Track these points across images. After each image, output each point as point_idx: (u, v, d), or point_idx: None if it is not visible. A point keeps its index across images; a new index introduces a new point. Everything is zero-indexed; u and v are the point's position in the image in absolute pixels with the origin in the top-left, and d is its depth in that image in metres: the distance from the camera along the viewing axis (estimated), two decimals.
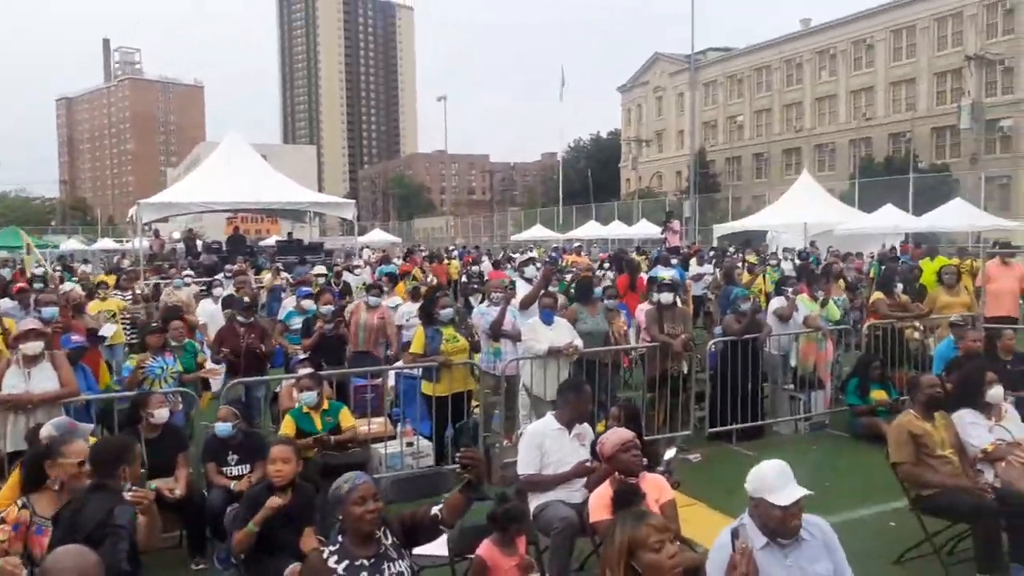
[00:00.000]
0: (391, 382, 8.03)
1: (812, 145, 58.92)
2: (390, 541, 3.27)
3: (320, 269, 15.74)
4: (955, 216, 25.49)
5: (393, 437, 6.94)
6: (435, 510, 3.30)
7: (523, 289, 7.96)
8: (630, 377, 10.11)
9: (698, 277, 15.30)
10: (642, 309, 8.55)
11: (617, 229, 42.33)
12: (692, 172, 47.50)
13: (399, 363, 7.67)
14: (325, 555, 3.16)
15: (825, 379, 8.82)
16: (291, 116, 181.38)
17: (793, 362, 8.74)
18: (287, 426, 5.95)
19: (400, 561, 3.21)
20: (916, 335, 9.22)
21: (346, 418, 6.23)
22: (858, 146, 52.61)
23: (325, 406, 6.15)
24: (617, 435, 4.29)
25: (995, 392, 5.18)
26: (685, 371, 7.89)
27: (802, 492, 3.15)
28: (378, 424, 6.89)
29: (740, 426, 7.96)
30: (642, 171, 66.34)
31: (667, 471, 4.55)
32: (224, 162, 22.81)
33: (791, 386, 8.71)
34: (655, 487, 4.16)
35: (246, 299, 9.19)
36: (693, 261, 17.11)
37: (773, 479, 3.22)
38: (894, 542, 5.35)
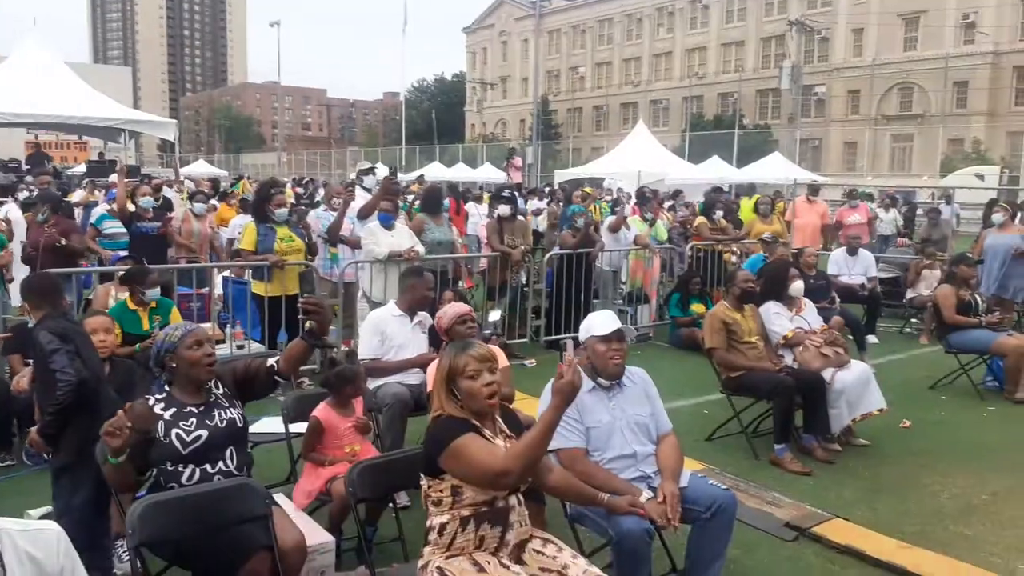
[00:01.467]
0: (218, 290, 7.68)
1: (648, 100, 61.42)
2: (221, 391, 3.17)
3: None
4: (773, 169, 27.91)
5: (222, 340, 6.66)
6: (271, 360, 3.23)
7: (362, 198, 7.73)
8: (472, 297, 10.26)
9: (538, 212, 15.73)
10: (482, 222, 8.66)
11: (461, 171, 42.39)
12: (536, 120, 48.16)
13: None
14: (151, 402, 3.02)
15: (651, 295, 9.36)
16: (102, 34, 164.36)
17: (623, 278, 9.19)
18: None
19: (231, 409, 3.12)
20: (733, 258, 9.94)
21: (176, 319, 5.89)
22: (690, 103, 55.39)
23: (153, 304, 5.78)
24: (454, 309, 4.36)
25: (797, 286, 5.71)
26: (523, 282, 8.11)
27: (619, 325, 3.36)
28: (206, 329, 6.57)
29: (572, 335, 8.26)
30: (486, 116, 66.48)
31: (493, 333, 4.67)
32: (20, 69, 20.38)
33: (620, 301, 9.18)
34: None
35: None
36: (534, 198, 17.63)
37: (599, 320, 3.43)
38: (707, 425, 5.83)
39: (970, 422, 6.33)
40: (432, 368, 4.19)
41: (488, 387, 2.69)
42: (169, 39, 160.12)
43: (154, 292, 5.61)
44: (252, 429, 4.47)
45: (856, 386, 5.35)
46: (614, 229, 8.86)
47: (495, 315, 4.99)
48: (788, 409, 5.22)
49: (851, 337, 7.52)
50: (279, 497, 3.66)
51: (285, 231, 6.82)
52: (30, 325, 5.21)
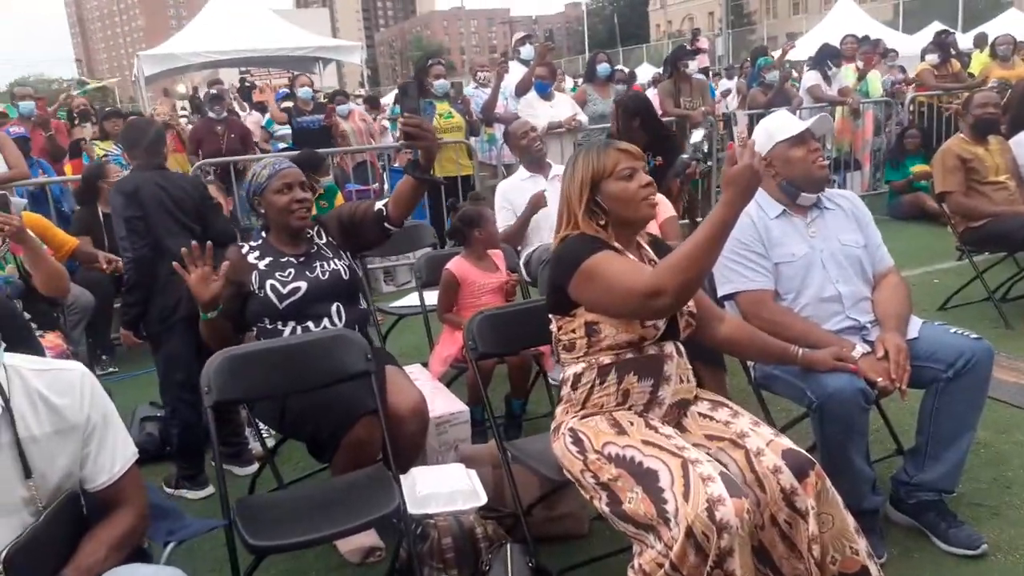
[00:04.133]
0: (386, 186, 7.45)
1: None
2: (324, 240, 2.73)
3: None
4: (1008, 28, 23.70)
5: None
6: (379, 205, 2.73)
7: (518, 72, 6.93)
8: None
9: (727, 92, 14.32)
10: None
11: (647, 72, 40.38)
12: (725, 9, 44.59)
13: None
14: (245, 250, 2.64)
15: (864, 161, 8.02)
16: None
17: (828, 144, 7.93)
18: None
19: (336, 260, 2.67)
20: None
21: (340, 200, 5.77)
22: None
23: (320, 191, 5.63)
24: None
25: None
26: (706, 149, 7.12)
27: (817, 116, 2.53)
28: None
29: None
30: (671, 14, 62.88)
31: (694, 157, 3.90)
32: (227, 11, 21.68)
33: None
34: None
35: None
36: (723, 79, 16.09)
37: (780, 121, 2.60)
38: (938, 295, 4.78)
39: None
40: None
41: (646, 188, 2.02)
42: None
43: (327, 180, 5.45)
44: (393, 305, 4.14)
45: None
46: (817, 97, 7.57)
47: (698, 135, 4.15)
48: None
49: None
50: (414, 368, 3.24)
51: (445, 107, 6.37)
52: None
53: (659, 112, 7.45)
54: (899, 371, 2.23)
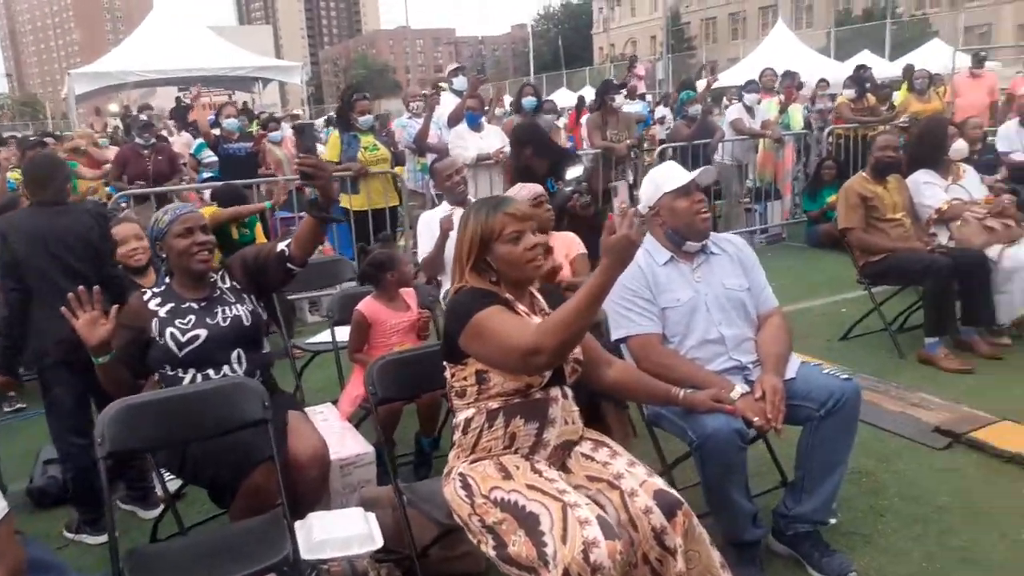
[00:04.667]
0: None
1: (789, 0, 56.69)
2: (228, 284, 2.76)
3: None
4: (932, 58, 24.75)
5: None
6: (281, 245, 2.76)
7: (450, 102, 7.10)
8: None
9: (662, 119, 14.68)
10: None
11: (589, 95, 40.95)
12: (666, 34, 45.65)
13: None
14: (147, 296, 2.66)
15: (784, 190, 8.33)
16: None
17: (749, 174, 8.22)
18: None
19: (238, 305, 2.69)
20: None
21: (259, 234, 5.77)
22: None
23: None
24: (527, 189, 3.78)
25: (959, 146, 4.67)
26: (631, 182, 7.33)
27: (691, 174, 2.67)
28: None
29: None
30: (614, 37, 63.88)
31: (575, 191, 4.02)
32: (163, 30, 21.33)
33: (747, 199, 8.23)
34: (565, 243, 3.69)
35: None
36: (659, 106, 16.50)
37: (667, 173, 2.74)
38: (843, 324, 5.00)
39: None
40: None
41: (532, 250, 2.12)
42: None
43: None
44: (308, 341, 4.17)
45: None
46: (740, 130, 7.87)
47: (575, 170, 4.24)
48: (943, 295, 4.30)
49: None
50: (324, 407, 3.28)
51: (369, 140, 6.41)
52: None
53: (588, 144, 7.66)
54: (774, 411, 2.37)
